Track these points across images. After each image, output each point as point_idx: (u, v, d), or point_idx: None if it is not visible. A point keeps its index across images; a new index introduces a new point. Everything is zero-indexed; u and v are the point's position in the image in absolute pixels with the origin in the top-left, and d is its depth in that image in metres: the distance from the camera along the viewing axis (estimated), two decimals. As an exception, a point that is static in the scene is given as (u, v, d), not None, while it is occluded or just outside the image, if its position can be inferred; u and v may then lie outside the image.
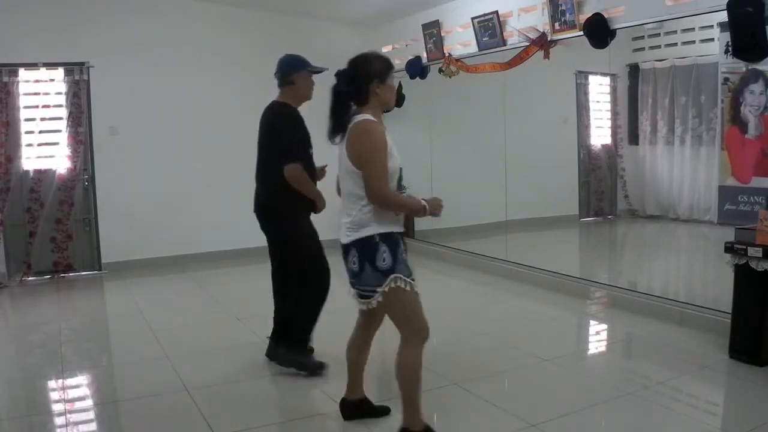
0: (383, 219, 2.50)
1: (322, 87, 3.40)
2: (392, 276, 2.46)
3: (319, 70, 3.54)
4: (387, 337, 3.00)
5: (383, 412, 2.95)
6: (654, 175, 7.58)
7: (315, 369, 3.47)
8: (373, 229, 2.48)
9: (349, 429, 2.89)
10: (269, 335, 3.70)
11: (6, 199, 5.89)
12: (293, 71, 3.51)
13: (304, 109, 3.57)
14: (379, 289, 2.47)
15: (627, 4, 4.55)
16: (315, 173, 3.55)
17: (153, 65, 6.45)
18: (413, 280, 2.52)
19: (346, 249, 2.55)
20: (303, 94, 3.54)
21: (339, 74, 2.55)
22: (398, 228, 2.58)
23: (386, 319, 2.70)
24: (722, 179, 4.56)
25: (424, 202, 2.56)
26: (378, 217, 2.49)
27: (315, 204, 3.52)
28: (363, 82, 2.51)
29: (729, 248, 3.52)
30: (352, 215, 2.52)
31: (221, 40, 6.78)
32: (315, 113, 3.25)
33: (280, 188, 3.41)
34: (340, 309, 3.26)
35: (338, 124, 2.54)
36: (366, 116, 2.51)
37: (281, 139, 3.43)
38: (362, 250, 2.49)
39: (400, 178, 2.65)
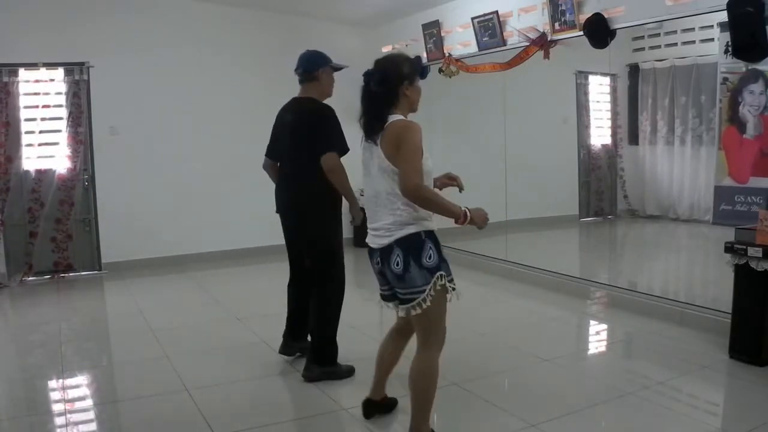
0: (425, 217, 2.46)
1: (339, 85, 3.52)
2: (438, 273, 2.41)
3: (340, 67, 3.52)
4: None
5: (394, 404, 2.99)
6: (654, 175, 7.58)
7: (347, 374, 3.45)
8: (417, 227, 2.44)
9: (349, 429, 2.89)
10: (284, 332, 3.69)
11: (6, 200, 5.89)
12: (317, 67, 3.43)
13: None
14: (427, 287, 2.39)
15: (627, 4, 4.55)
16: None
17: (153, 65, 6.45)
18: (452, 281, 2.48)
19: (386, 251, 2.46)
20: (326, 91, 3.48)
21: (368, 75, 2.51)
22: (435, 226, 2.53)
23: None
24: (719, 179, 4.55)
25: (464, 209, 2.46)
26: (420, 215, 2.45)
27: (351, 206, 3.41)
28: (394, 84, 2.48)
29: (729, 248, 3.52)
30: (394, 215, 2.45)
31: (221, 40, 6.78)
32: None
33: (319, 184, 3.29)
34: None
35: (376, 123, 2.47)
36: (400, 116, 2.49)
37: (321, 131, 3.31)
38: (407, 249, 2.42)
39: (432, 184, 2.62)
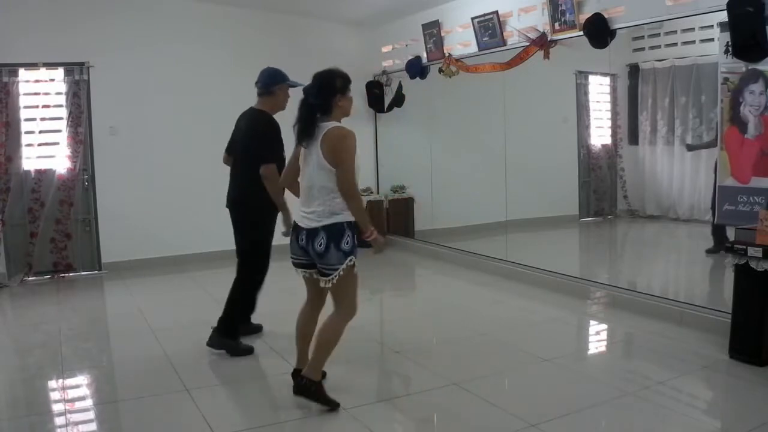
0: (347, 210, 2.93)
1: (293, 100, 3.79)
2: (351, 256, 2.93)
3: (295, 85, 3.87)
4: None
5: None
6: (654, 175, 7.58)
7: (244, 352, 3.86)
8: (342, 217, 2.93)
9: (349, 429, 2.89)
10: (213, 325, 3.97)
11: (6, 200, 5.90)
12: (275, 83, 3.92)
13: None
14: (340, 267, 2.91)
15: (627, 4, 4.55)
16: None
17: (153, 65, 6.45)
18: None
19: (313, 233, 2.94)
20: (280, 105, 3.95)
21: (307, 90, 2.99)
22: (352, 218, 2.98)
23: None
24: (721, 179, 4.55)
25: (373, 229, 2.97)
26: (345, 208, 2.93)
27: (282, 214, 3.81)
28: (329, 96, 2.95)
29: (729, 248, 3.52)
30: (324, 205, 2.94)
31: (221, 40, 6.78)
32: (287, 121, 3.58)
33: (252, 185, 3.75)
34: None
35: (309, 130, 2.95)
36: (336, 123, 2.96)
37: (261, 142, 3.77)
38: (331, 234, 2.91)
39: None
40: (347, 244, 2.91)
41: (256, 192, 3.75)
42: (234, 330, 3.90)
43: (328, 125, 2.93)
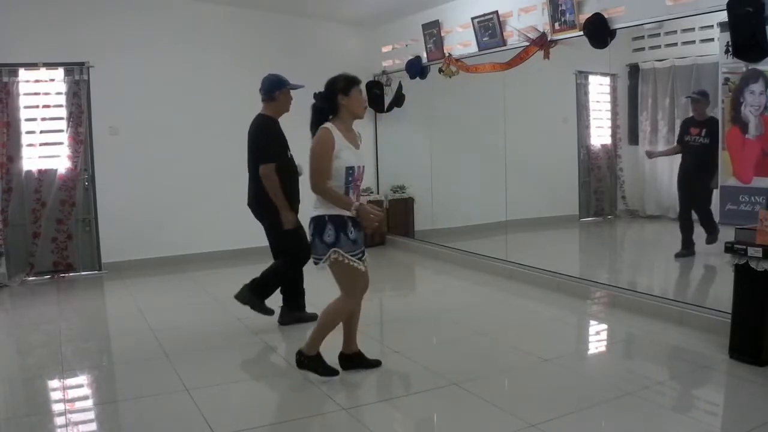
0: (330, 204, 3.16)
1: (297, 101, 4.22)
2: (333, 249, 3.13)
3: (296, 87, 4.22)
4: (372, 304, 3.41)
5: (376, 364, 3.54)
6: (654, 174, 7.57)
7: (268, 313, 4.33)
8: (323, 211, 3.18)
9: (349, 429, 2.89)
10: (281, 305, 4.44)
11: (9, 200, 5.90)
12: (276, 89, 4.18)
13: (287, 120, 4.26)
14: (323, 257, 3.16)
15: (627, 4, 4.55)
16: (291, 174, 4.23)
17: (153, 65, 6.45)
18: (356, 255, 3.19)
19: (310, 222, 3.25)
20: (283, 108, 4.25)
21: (316, 95, 3.27)
22: (347, 212, 3.17)
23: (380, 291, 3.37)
24: (723, 179, 4.56)
25: (355, 203, 3.18)
26: (326, 202, 3.17)
27: (280, 210, 4.12)
28: (331, 97, 3.22)
29: (729, 248, 3.52)
30: (315, 199, 3.22)
31: (221, 40, 6.78)
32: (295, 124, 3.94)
33: (262, 187, 4.10)
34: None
35: (314, 130, 3.24)
36: (327, 124, 3.19)
37: (258, 144, 4.14)
38: (315, 225, 3.20)
39: (350, 176, 3.22)
40: (329, 236, 3.14)
41: (266, 193, 4.09)
42: (263, 292, 4.32)
43: (322, 126, 3.20)
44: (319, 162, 3.14)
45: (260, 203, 4.20)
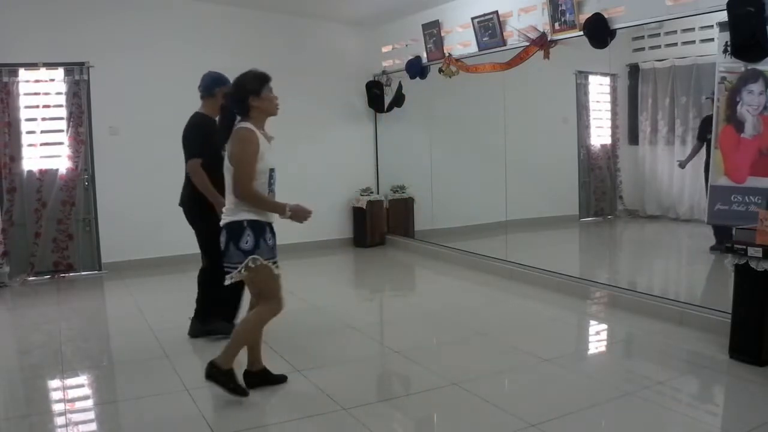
0: (249, 209, 2.99)
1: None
2: (251, 257, 2.96)
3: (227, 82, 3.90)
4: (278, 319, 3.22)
5: (282, 380, 3.35)
6: (654, 174, 7.57)
7: (227, 332, 3.89)
8: (240, 216, 2.99)
9: (349, 429, 2.89)
10: (190, 316, 4.19)
11: (12, 200, 5.91)
12: (215, 86, 4.04)
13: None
14: (239, 265, 2.97)
15: (627, 4, 4.55)
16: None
17: (153, 65, 6.45)
18: (275, 263, 3.05)
19: (221, 229, 3.05)
20: (219, 107, 4.05)
21: (225, 95, 3.19)
22: (265, 218, 3.03)
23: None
24: (714, 179, 4.54)
25: (290, 204, 3.01)
26: (244, 207, 2.99)
27: (215, 205, 3.82)
28: (241, 98, 3.02)
29: (729, 248, 3.52)
30: (230, 203, 3.03)
31: (221, 40, 6.77)
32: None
33: (193, 185, 3.99)
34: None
35: (224, 133, 3.07)
36: (246, 125, 3.01)
37: (186, 140, 4.04)
38: (230, 232, 2.99)
39: (272, 179, 3.11)
40: (247, 243, 2.96)
41: (199, 193, 3.96)
42: (213, 315, 4.13)
43: (238, 126, 3.02)
44: (248, 165, 2.95)
45: (188, 205, 4.15)
